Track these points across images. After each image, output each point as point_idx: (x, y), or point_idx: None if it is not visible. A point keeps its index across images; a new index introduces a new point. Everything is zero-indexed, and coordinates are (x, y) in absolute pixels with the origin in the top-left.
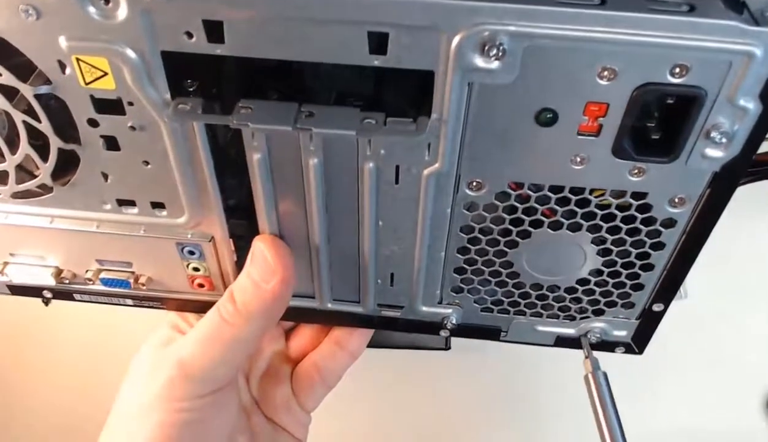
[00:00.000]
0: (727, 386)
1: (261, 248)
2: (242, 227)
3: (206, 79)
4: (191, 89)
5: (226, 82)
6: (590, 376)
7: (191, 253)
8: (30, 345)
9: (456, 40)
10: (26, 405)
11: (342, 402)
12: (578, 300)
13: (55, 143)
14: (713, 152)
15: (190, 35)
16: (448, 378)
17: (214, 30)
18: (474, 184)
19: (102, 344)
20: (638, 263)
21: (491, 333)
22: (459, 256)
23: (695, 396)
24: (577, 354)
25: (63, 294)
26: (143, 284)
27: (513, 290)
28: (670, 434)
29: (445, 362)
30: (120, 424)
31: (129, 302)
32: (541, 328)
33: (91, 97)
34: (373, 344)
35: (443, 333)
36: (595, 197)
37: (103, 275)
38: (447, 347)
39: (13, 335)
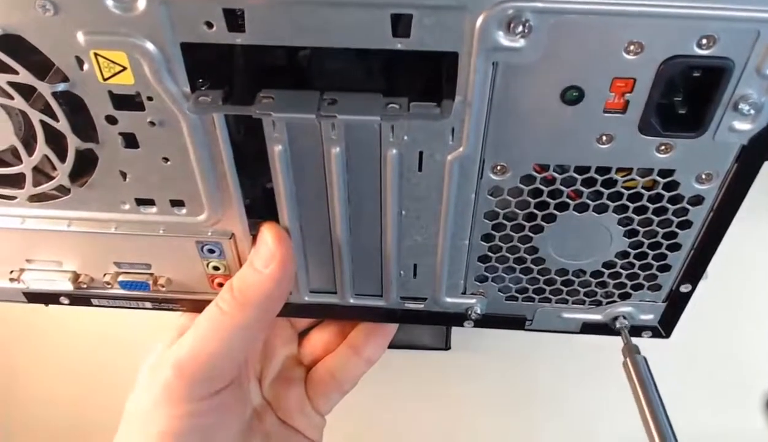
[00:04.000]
0: (727, 386)
1: (263, 232)
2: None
3: (221, 72)
4: (209, 79)
5: (240, 73)
6: (628, 361)
7: (211, 251)
8: (32, 347)
9: (480, 18)
10: (28, 407)
11: (341, 402)
12: (604, 284)
13: (73, 143)
14: (741, 125)
15: (210, 25)
16: (448, 378)
17: (235, 19)
18: (498, 167)
19: (106, 344)
20: (665, 242)
21: (516, 322)
22: (483, 243)
23: (695, 396)
24: (578, 354)
25: (80, 300)
26: (162, 286)
27: (538, 276)
28: None
29: (445, 362)
30: (124, 437)
31: (148, 305)
32: (566, 315)
33: (110, 93)
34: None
35: (467, 324)
36: (622, 177)
37: (121, 277)
38: (447, 347)
39: (15, 337)
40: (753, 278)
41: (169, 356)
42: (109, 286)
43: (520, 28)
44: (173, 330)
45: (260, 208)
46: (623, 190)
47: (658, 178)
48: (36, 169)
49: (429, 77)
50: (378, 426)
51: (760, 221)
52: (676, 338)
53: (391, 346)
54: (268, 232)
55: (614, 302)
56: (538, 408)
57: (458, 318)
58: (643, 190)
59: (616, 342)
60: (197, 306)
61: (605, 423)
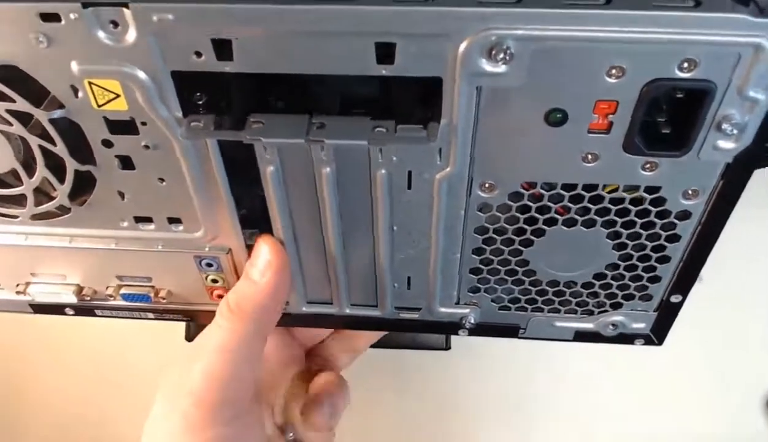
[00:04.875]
0: (727, 387)
1: (258, 245)
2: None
3: (214, 94)
4: (200, 104)
5: (232, 95)
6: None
7: (209, 265)
8: (36, 347)
9: (463, 46)
10: (32, 409)
11: None
12: (595, 295)
13: (71, 165)
14: (725, 144)
15: (199, 54)
16: (448, 378)
17: (223, 48)
18: (486, 185)
19: (111, 344)
20: (654, 255)
21: (510, 331)
22: (474, 256)
23: (695, 396)
24: (578, 355)
25: (84, 310)
26: (163, 298)
27: (530, 287)
28: (670, 435)
29: (445, 362)
30: None
31: (150, 315)
32: (559, 324)
33: (105, 118)
34: (373, 344)
35: (462, 333)
36: (609, 193)
37: (123, 290)
38: (447, 347)
39: (17, 338)
40: (753, 278)
41: (184, 386)
42: (112, 298)
43: (502, 55)
44: (187, 358)
45: (254, 218)
46: (611, 206)
47: (645, 195)
48: (37, 190)
49: (419, 94)
50: (378, 426)
51: (759, 222)
52: (676, 339)
53: (391, 346)
54: (263, 243)
55: (606, 311)
56: (537, 408)
57: (453, 327)
58: (630, 206)
59: (615, 346)
60: (198, 316)
61: (605, 424)
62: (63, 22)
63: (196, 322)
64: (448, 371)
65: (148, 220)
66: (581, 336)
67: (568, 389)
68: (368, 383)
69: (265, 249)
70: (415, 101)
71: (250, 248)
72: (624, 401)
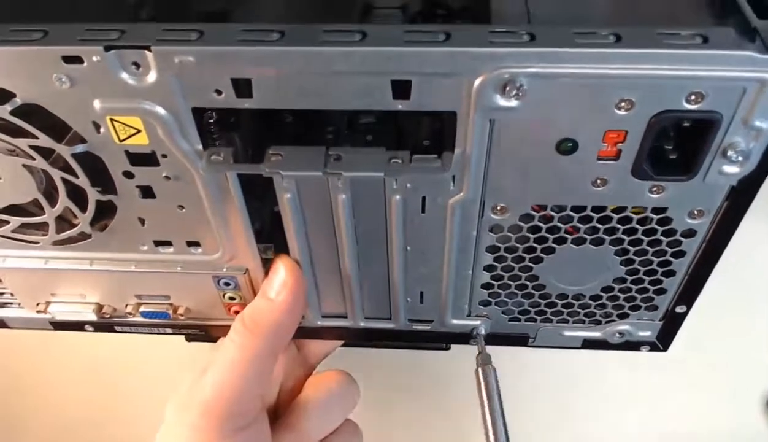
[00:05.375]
0: (727, 386)
1: (276, 264)
2: (275, 254)
3: (228, 128)
4: (215, 137)
5: (246, 128)
6: (480, 370)
7: (227, 284)
8: (35, 350)
9: (477, 82)
10: (33, 410)
11: None
12: (603, 306)
13: (92, 195)
14: (730, 169)
15: (219, 92)
16: (448, 378)
17: (243, 86)
18: (498, 208)
19: (109, 351)
20: (660, 270)
21: (519, 340)
22: (485, 273)
23: (695, 396)
24: (577, 356)
25: (104, 327)
26: (182, 314)
27: (539, 300)
28: (670, 435)
29: (445, 362)
30: None
31: (168, 331)
32: (567, 333)
33: (126, 152)
34: (373, 344)
35: (473, 342)
36: (616, 213)
37: (142, 308)
38: (447, 347)
39: (18, 339)
40: (753, 278)
41: (194, 397)
42: (131, 315)
43: (515, 91)
44: (198, 368)
45: (269, 232)
46: (618, 226)
47: (652, 215)
48: (58, 218)
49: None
50: (378, 426)
51: (759, 223)
52: (675, 339)
53: (391, 346)
54: (280, 263)
55: (613, 321)
56: (538, 408)
57: (464, 337)
58: (637, 226)
59: None
60: (215, 331)
61: (605, 423)
62: (85, 64)
63: (212, 335)
64: (448, 371)
65: (168, 243)
66: (589, 344)
67: (567, 388)
68: (368, 383)
69: (281, 269)
70: (429, 132)
71: (265, 261)
72: (624, 401)
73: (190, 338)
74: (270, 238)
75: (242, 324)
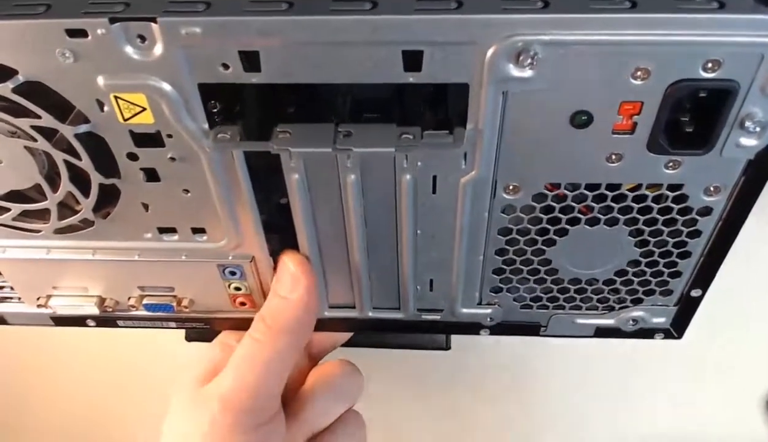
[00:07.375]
0: (727, 387)
1: (284, 262)
2: (281, 243)
3: (229, 103)
4: (215, 111)
5: (249, 104)
6: None
7: (232, 273)
8: (36, 349)
9: (490, 52)
10: (33, 410)
11: None
12: (617, 291)
13: (96, 179)
14: (747, 141)
15: (226, 66)
16: (448, 378)
17: (251, 60)
18: (511, 187)
19: (110, 350)
20: (675, 251)
21: (531, 329)
22: (497, 257)
23: (696, 396)
24: (578, 354)
25: (106, 321)
26: (186, 307)
27: (552, 286)
28: (670, 435)
29: (445, 362)
30: None
31: (172, 324)
32: (580, 321)
33: (131, 132)
34: (372, 344)
35: (483, 332)
36: (631, 192)
37: (145, 300)
38: (447, 347)
39: (19, 339)
40: (753, 278)
41: (213, 391)
42: (134, 308)
43: (529, 60)
44: (203, 362)
45: (283, 225)
46: (633, 205)
47: (667, 192)
48: (61, 204)
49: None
50: (378, 426)
51: (759, 222)
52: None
53: (391, 346)
54: (288, 260)
55: (627, 307)
56: (538, 408)
57: (474, 327)
58: (653, 204)
59: (616, 346)
60: (219, 324)
61: (605, 423)
62: (90, 37)
63: (216, 329)
64: (448, 371)
65: (172, 230)
66: (602, 332)
67: (567, 388)
68: (367, 383)
69: (291, 265)
70: (429, 102)
71: (273, 254)
72: (623, 401)
73: (190, 338)
74: (278, 229)
75: (263, 322)
